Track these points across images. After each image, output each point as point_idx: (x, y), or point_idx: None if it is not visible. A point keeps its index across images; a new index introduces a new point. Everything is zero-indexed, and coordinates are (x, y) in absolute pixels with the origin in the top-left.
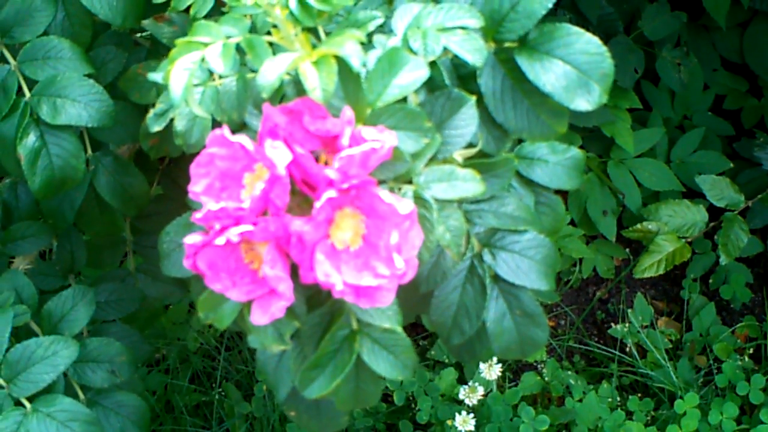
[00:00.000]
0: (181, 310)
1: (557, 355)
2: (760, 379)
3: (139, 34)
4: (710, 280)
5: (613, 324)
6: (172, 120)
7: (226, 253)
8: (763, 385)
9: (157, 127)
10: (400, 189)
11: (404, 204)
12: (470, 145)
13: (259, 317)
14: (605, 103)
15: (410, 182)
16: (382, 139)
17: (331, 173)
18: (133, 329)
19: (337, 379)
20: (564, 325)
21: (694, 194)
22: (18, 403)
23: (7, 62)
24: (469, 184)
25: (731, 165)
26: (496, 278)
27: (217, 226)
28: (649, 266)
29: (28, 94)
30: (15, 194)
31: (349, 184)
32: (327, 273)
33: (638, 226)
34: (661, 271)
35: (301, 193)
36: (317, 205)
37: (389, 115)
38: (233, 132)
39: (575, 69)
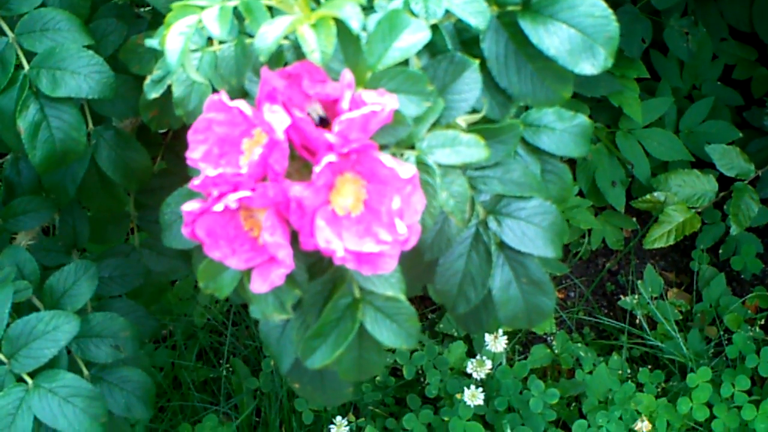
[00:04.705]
0: (187, 286)
1: (567, 327)
2: None
3: (142, 9)
4: (720, 251)
5: (622, 296)
6: (171, 91)
7: (225, 220)
8: None
9: (154, 94)
10: (402, 154)
11: (406, 168)
12: (474, 111)
13: (259, 285)
14: (613, 72)
15: (413, 147)
16: (383, 102)
17: (330, 137)
18: (138, 305)
19: (339, 348)
20: (573, 297)
21: (703, 164)
22: (20, 379)
23: (5, 35)
24: (473, 149)
25: (740, 134)
26: (502, 245)
27: (215, 193)
28: (659, 237)
29: (26, 66)
30: (17, 170)
31: (349, 149)
32: (328, 239)
33: (647, 196)
34: (671, 242)
35: (301, 158)
36: (317, 169)
37: (390, 78)
38: (233, 98)
39: (580, 32)
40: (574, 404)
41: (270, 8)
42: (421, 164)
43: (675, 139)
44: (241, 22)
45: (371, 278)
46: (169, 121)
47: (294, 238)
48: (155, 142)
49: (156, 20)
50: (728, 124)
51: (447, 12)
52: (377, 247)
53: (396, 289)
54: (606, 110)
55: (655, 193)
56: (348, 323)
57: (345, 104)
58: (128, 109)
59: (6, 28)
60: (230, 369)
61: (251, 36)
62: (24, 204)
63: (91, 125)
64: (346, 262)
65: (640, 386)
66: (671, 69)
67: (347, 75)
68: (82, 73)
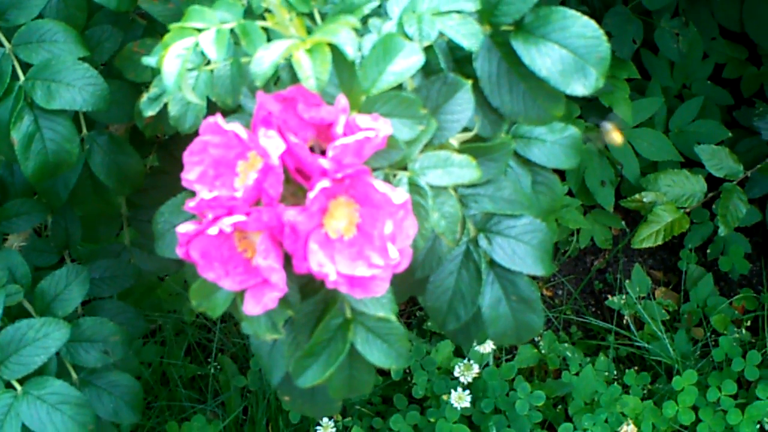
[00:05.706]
0: (176, 282)
1: (554, 326)
2: (756, 355)
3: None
4: (708, 250)
5: (610, 295)
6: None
7: (219, 242)
8: (759, 360)
9: (150, 112)
10: (395, 176)
11: (398, 193)
12: (466, 129)
13: (251, 307)
14: None
15: (405, 168)
16: (377, 127)
17: (324, 163)
18: (128, 305)
19: (330, 368)
20: (561, 296)
21: (692, 164)
22: (9, 386)
23: (2, 45)
24: (465, 170)
25: (730, 134)
26: (492, 263)
27: (210, 216)
28: (648, 236)
29: (22, 77)
30: (10, 171)
31: (343, 174)
32: (320, 263)
33: (636, 196)
34: (660, 242)
35: (295, 182)
36: (311, 195)
37: (384, 102)
38: (229, 113)
39: (571, 53)
40: (560, 405)
41: (266, 29)
42: (414, 186)
43: (664, 139)
44: (237, 38)
45: (363, 300)
46: (164, 126)
47: (287, 261)
48: (148, 142)
49: (152, 26)
50: (718, 123)
51: (440, 33)
52: (369, 271)
53: (387, 309)
54: (596, 109)
55: (645, 193)
56: (339, 343)
57: (339, 129)
58: (123, 114)
59: (3, 38)
60: (218, 366)
61: (247, 54)
62: (17, 206)
63: (84, 130)
64: (338, 285)
65: (626, 388)
66: (662, 68)
67: (342, 100)
68: (76, 86)
